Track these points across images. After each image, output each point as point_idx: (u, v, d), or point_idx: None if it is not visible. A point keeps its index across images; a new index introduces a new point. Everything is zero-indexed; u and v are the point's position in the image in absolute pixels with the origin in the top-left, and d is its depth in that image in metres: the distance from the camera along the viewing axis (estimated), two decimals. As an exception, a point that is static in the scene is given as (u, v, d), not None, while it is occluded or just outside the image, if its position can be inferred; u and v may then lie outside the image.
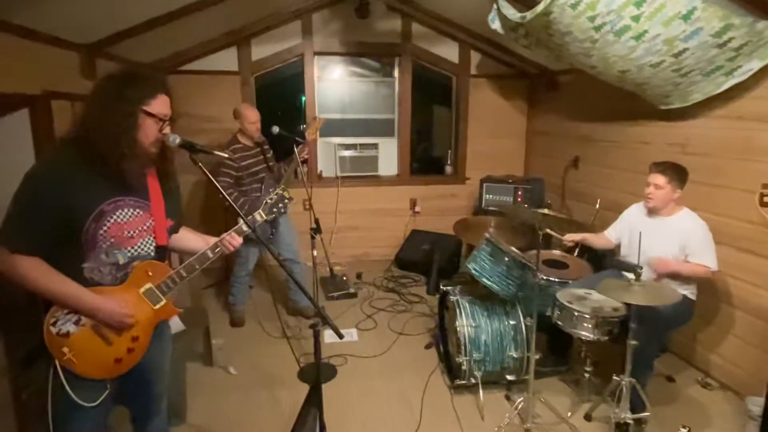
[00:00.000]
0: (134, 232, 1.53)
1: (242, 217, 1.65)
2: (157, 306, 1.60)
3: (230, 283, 3.81)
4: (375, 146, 5.08)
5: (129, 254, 1.53)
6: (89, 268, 1.47)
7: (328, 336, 3.36)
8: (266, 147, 3.65)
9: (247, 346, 3.49)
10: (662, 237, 2.62)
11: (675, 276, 2.61)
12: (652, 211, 2.71)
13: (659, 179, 2.59)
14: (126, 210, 1.50)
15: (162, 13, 3.22)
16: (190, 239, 1.81)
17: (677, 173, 2.59)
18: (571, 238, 3.06)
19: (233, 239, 1.69)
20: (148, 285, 1.57)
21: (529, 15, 2.86)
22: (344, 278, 4.61)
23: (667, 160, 2.68)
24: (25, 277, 1.39)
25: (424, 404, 2.81)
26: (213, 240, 1.70)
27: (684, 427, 2.38)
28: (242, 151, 3.43)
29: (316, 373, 1.88)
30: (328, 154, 5.05)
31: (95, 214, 1.43)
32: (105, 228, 1.45)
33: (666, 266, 2.56)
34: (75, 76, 3.10)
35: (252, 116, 3.47)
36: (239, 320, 3.83)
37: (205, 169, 1.57)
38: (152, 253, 1.60)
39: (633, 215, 2.87)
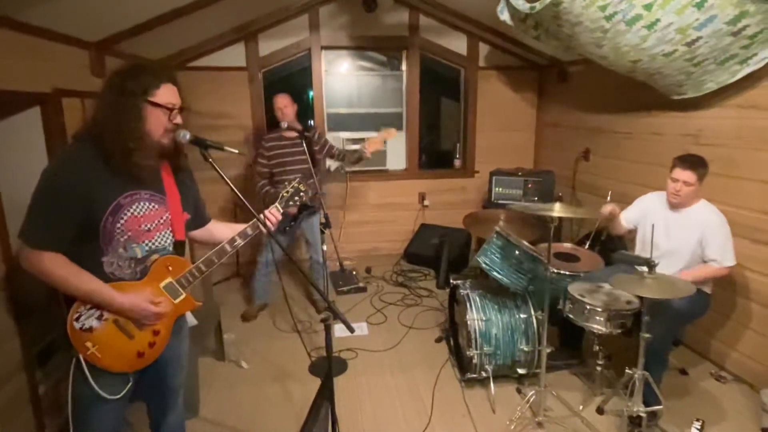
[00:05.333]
0: (151, 225, 1.54)
1: (256, 216, 1.66)
2: (177, 300, 1.62)
3: (254, 273, 3.87)
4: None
5: (147, 248, 1.54)
6: (108, 262, 1.48)
7: (338, 330, 3.37)
8: (313, 137, 3.61)
9: (259, 340, 3.51)
10: (681, 229, 2.59)
11: (691, 264, 2.58)
12: (675, 207, 2.66)
13: (690, 176, 2.50)
14: (142, 203, 1.51)
15: (170, 10, 3.22)
16: (221, 230, 1.84)
17: (705, 168, 2.53)
18: (608, 208, 2.80)
19: (272, 215, 1.77)
20: (168, 279, 1.59)
21: (538, 5, 2.82)
22: (354, 273, 4.63)
23: (691, 154, 2.59)
24: (49, 274, 1.41)
25: (434, 398, 2.81)
26: (242, 227, 1.72)
27: (698, 420, 2.36)
28: (276, 141, 3.52)
29: (328, 367, 1.89)
30: (336, 148, 5.05)
31: (112, 207, 1.44)
32: (122, 221, 1.46)
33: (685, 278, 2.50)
34: (85, 73, 3.11)
35: (277, 101, 3.54)
36: (249, 315, 3.85)
37: (215, 165, 1.57)
38: (170, 247, 1.61)
39: (651, 205, 2.80)
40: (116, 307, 1.48)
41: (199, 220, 1.80)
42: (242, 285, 4.56)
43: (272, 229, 1.75)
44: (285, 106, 3.54)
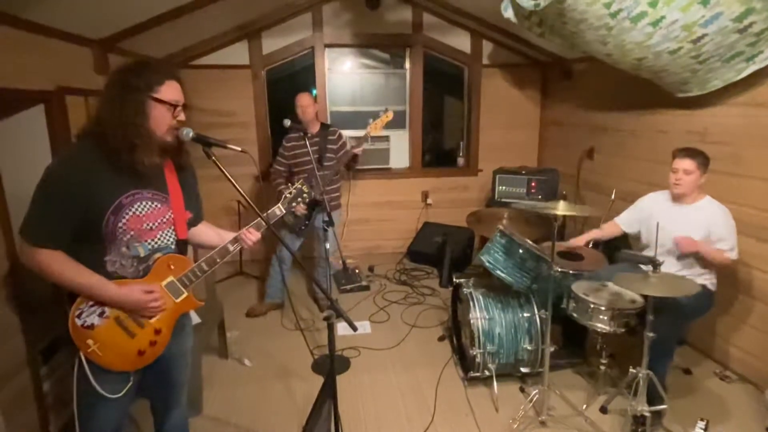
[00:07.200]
0: (153, 224, 1.54)
1: (259, 214, 1.66)
2: (179, 299, 1.62)
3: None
4: (386, 138, 5.06)
5: (149, 247, 1.54)
6: (111, 261, 1.49)
7: (341, 328, 3.37)
8: (330, 137, 3.66)
9: (262, 338, 3.52)
10: (686, 224, 2.58)
11: (696, 259, 2.58)
12: (677, 198, 2.67)
13: (688, 164, 2.54)
14: (144, 203, 1.51)
15: (173, 8, 3.22)
16: (207, 234, 1.83)
17: (704, 158, 2.56)
18: (575, 243, 3.04)
19: (251, 234, 1.71)
20: (170, 278, 1.59)
21: (542, 2, 2.81)
22: (357, 271, 4.62)
23: (689, 146, 2.63)
24: (49, 270, 1.41)
25: (437, 396, 2.81)
26: (229, 235, 1.72)
27: (702, 419, 2.35)
28: (295, 141, 3.57)
29: (331, 365, 1.89)
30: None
31: (113, 207, 1.44)
32: (124, 221, 1.46)
33: (691, 245, 2.50)
34: (88, 71, 3.12)
35: (300, 100, 3.57)
36: (256, 311, 3.84)
37: (218, 163, 1.57)
38: (172, 246, 1.62)
39: (652, 204, 2.80)
40: (113, 299, 1.48)
41: (195, 219, 1.80)
42: (246, 283, 4.57)
43: (251, 244, 1.72)
44: (307, 105, 3.58)
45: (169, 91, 1.48)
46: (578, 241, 3.04)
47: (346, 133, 4.89)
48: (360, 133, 4.98)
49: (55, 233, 1.41)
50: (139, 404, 1.90)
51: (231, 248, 1.67)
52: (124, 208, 1.46)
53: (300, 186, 1.85)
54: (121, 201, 1.45)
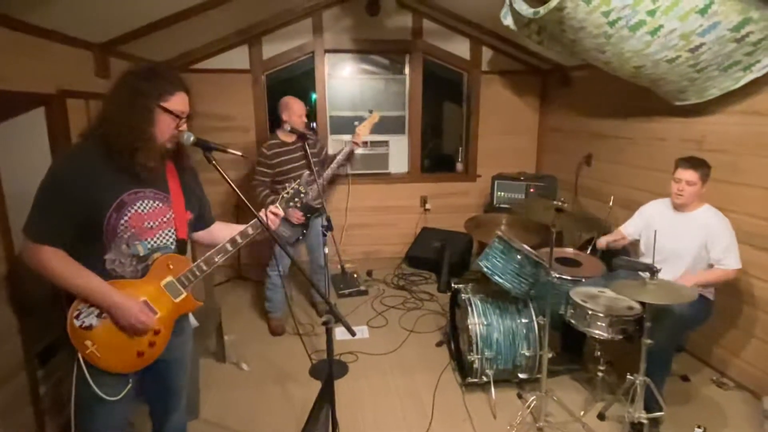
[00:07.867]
0: (154, 223, 1.55)
1: (257, 216, 1.66)
2: (178, 299, 1.62)
3: (265, 284, 3.69)
4: (385, 144, 5.07)
5: (149, 246, 1.55)
6: (111, 259, 1.49)
7: (339, 333, 3.36)
8: (311, 142, 3.53)
9: (259, 342, 3.51)
10: (686, 232, 2.60)
11: (694, 268, 2.59)
12: (677, 207, 2.68)
13: (692, 175, 2.55)
14: (146, 201, 1.52)
15: (174, 12, 3.23)
16: (227, 232, 1.80)
17: (706, 168, 2.57)
18: (604, 242, 3.00)
19: (274, 214, 1.76)
20: (169, 278, 1.60)
21: (542, 10, 2.83)
22: (355, 275, 4.62)
23: (693, 156, 2.64)
24: (49, 269, 1.42)
25: (435, 402, 2.81)
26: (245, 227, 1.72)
27: (699, 427, 2.35)
28: (278, 148, 3.40)
29: (329, 370, 1.89)
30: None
31: (116, 204, 1.46)
32: (125, 218, 1.47)
33: (689, 283, 2.49)
34: (89, 74, 3.12)
35: (299, 109, 3.42)
36: (277, 328, 3.66)
37: (218, 168, 1.58)
38: (172, 246, 1.62)
39: (654, 211, 2.82)
40: (109, 303, 1.47)
41: (203, 220, 1.81)
42: (244, 286, 4.56)
43: (273, 227, 1.74)
44: (303, 113, 3.45)
45: (178, 102, 1.50)
46: (606, 239, 3.00)
47: (346, 138, 4.94)
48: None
49: (57, 231, 1.42)
50: (137, 408, 1.89)
51: (230, 248, 1.67)
52: (127, 205, 1.48)
53: (297, 186, 1.82)
54: (123, 198, 1.47)
